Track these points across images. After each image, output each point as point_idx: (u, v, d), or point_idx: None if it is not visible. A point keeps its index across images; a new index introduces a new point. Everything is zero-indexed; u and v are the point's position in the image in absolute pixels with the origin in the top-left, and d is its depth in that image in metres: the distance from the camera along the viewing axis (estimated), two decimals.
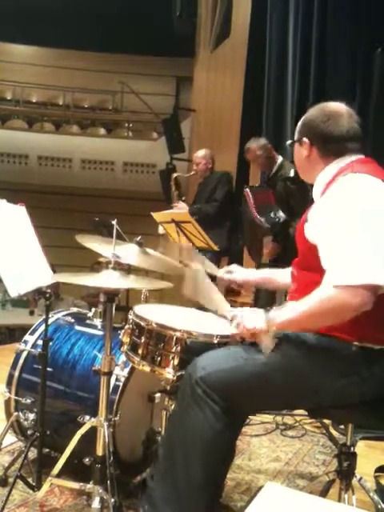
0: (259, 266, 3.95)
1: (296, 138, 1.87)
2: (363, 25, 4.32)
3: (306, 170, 1.87)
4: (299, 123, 1.88)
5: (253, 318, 1.66)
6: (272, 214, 3.82)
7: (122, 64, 10.97)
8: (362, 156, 1.78)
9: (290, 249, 3.56)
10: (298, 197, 3.62)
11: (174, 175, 5.36)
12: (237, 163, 6.28)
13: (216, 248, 3.85)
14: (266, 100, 5.47)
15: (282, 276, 2.04)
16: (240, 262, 3.99)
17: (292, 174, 3.82)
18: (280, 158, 4.05)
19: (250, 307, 1.83)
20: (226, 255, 4.70)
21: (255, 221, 3.85)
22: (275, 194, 3.85)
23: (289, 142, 1.94)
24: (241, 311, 1.72)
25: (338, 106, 1.81)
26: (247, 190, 3.95)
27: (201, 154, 4.92)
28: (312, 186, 1.87)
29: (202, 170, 4.87)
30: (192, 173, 5.12)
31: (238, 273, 2.13)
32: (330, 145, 1.77)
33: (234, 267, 2.17)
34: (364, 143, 1.83)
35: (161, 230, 4.04)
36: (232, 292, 5.88)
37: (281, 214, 3.77)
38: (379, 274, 1.51)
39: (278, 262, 3.75)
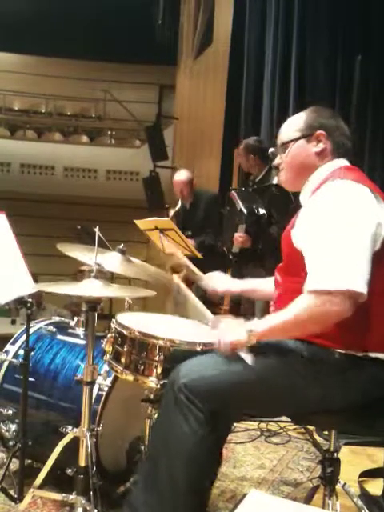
0: (228, 253, 3.91)
1: (300, 134, 1.75)
2: (342, 32, 4.35)
3: (301, 171, 1.78)
4: (296, 123, 1.78)
5: (233, 331, 1.63)
6: (254, 206, 3.78)
7: (104, 72, 10.98)
8: (348, 164, 1.76)
9: (263, 248, 3.65)
10: (279, 204, 3.62)
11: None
12: (219, 170, 6.31)
13: (199, 255, 3.86)
14: (243, 108, 5.46)
15: (266, 285, 1.99)
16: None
17: (275, 181, 3.81)
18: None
19: (230, 315, 1.81)
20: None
21: (236, 207, 3.78)
22: (263, 200, 3.84)
23: (271, 149, 1.91)
24: (221, 322, 1.69)
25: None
26: (233, 192, 3.90)
27: (182, 178, 4.58)
28: (296, 193, 1.85)
29: (187, 195, 4.63)
30: (178, 206, 4.62)
31: (220, 282, 2.08)
32: (343, 138, 1.74)
33: (217, 274, 2.12)
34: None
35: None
36: (212, 303, 5.87)
37: (262, 210, 3.73)
38: (359, 281, 1.50)
39: (242, 255, 3.75)
